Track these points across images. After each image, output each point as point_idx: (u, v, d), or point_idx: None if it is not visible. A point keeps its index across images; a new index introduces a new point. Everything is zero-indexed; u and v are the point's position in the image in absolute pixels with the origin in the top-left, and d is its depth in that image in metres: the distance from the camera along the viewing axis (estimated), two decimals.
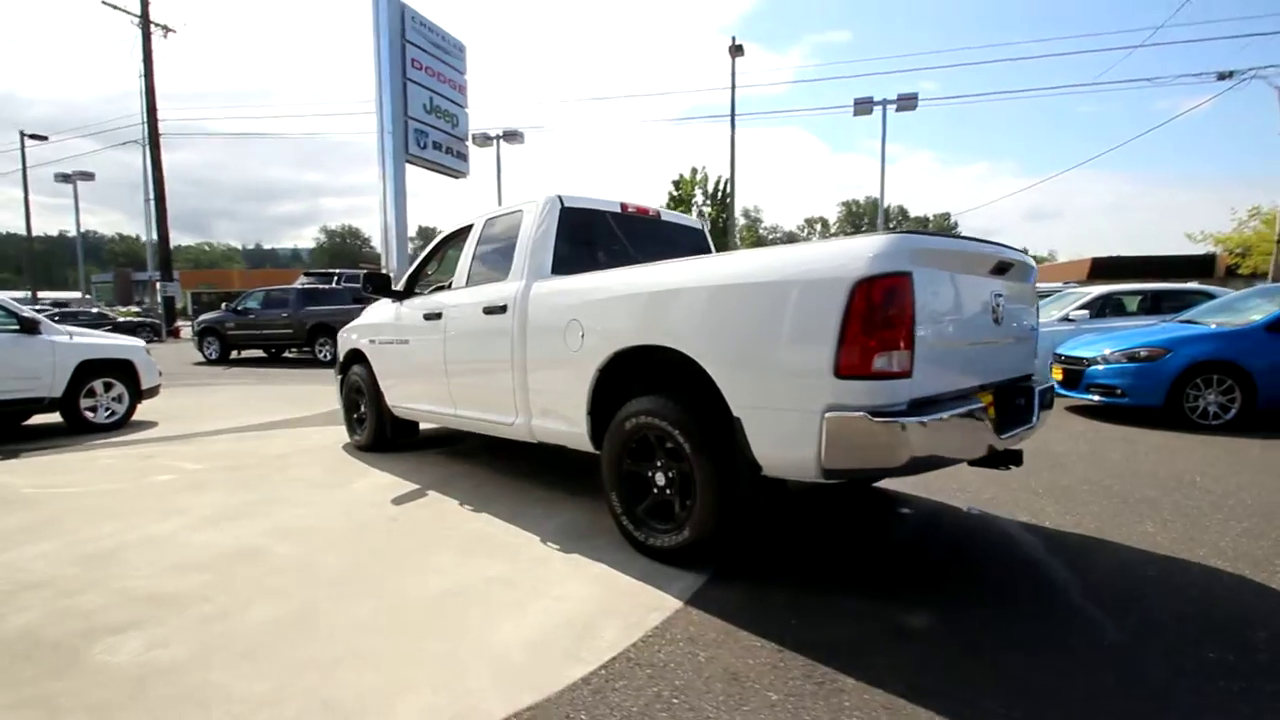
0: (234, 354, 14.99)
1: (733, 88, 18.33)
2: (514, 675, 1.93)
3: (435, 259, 4.80)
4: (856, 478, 2.30)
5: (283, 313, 13.99)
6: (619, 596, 2.47)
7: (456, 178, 19.61)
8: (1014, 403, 2.82)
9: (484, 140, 21.19)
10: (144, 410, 6.80)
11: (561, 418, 3.31)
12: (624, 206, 4.05)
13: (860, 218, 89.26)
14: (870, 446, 2.13)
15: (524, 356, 3.46)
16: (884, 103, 18.01)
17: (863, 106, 18.15)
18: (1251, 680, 1.91)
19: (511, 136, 21.48)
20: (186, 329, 25.29)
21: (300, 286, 15.19)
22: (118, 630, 2.20)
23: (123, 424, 6.40)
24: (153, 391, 6.80)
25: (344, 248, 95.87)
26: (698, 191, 33.72)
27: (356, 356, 5.27)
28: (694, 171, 33.99)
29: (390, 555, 2.89)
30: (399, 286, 4.77)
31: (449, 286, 4.70)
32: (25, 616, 2.32)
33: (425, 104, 17.35)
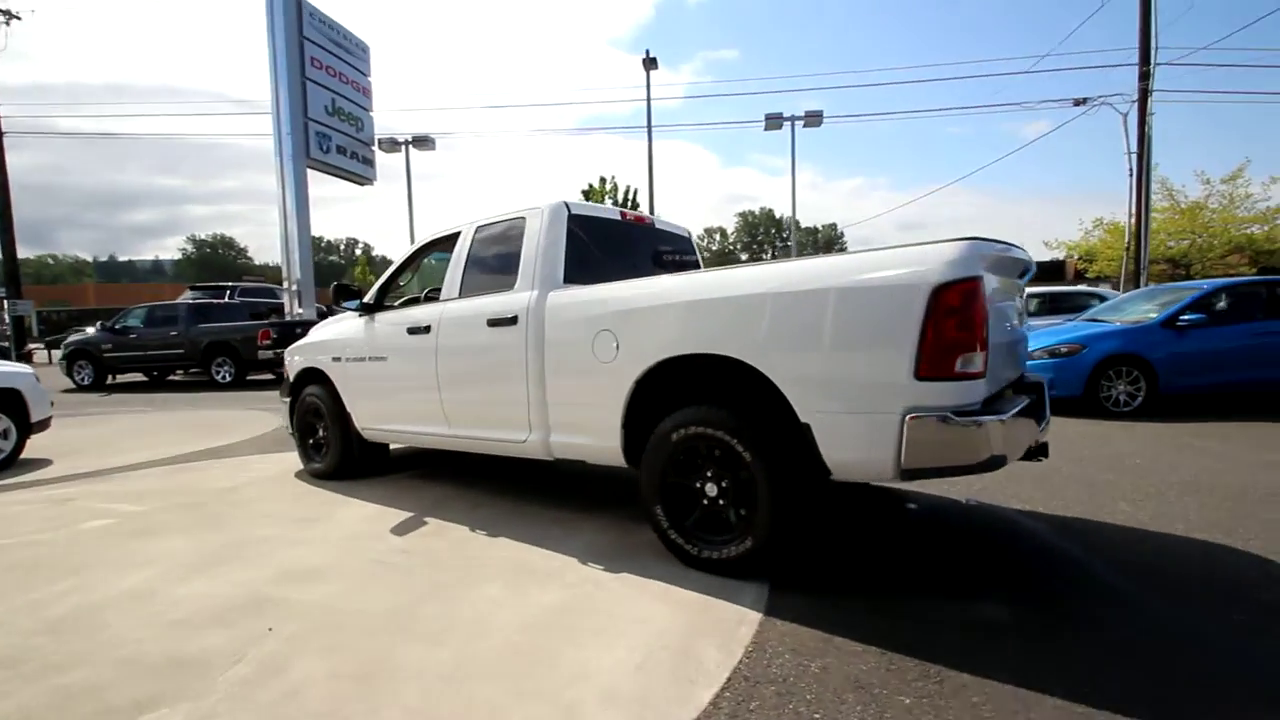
0: (110, 379, 13.32)
1: (648, 100, 18.67)
2: (639, 708, 1.83)
3: (409, 270, 4.50)
4: (932, 477, 2.37)
5: (171, 331, 12.59)
6: (696, 613, 2.40)
7: (362, 184, 18.59)
8: (1032, 398, 3.02)
9: (391, 146, 20.14)
10: (32, 446, 5.87)
11: (588, 432, 3.19)
12: (623, 214, 4.00)
13: (756, 228, 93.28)
14: (953, 446, 2.21)
15: (540, 370, 3.31)
16: (793, 119, 19.01)
17: (773, 121, 19.04)
18: None
19: (421, 143, 20.56)
20: (39, 352, 22.25)
21: (191, 301, 13.76)
22: (147, 707, 1.88)
23: (10, 463, 5.50)
24: (43, 425, 5.90)
25: (215, 258, 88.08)
26: (608, 200, 33.91)
27: (312, 376, 4.83)
28: (603, 180, 34.12)
29: (430, 593, 2.65)
30: (368, 299, 4.42)
31: (423, 299, 4.44)
32: (13, 702, 1.92)
33: (327, 105, 16.35)
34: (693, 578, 2.72)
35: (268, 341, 12.31)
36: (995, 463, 2.24)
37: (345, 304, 4.41)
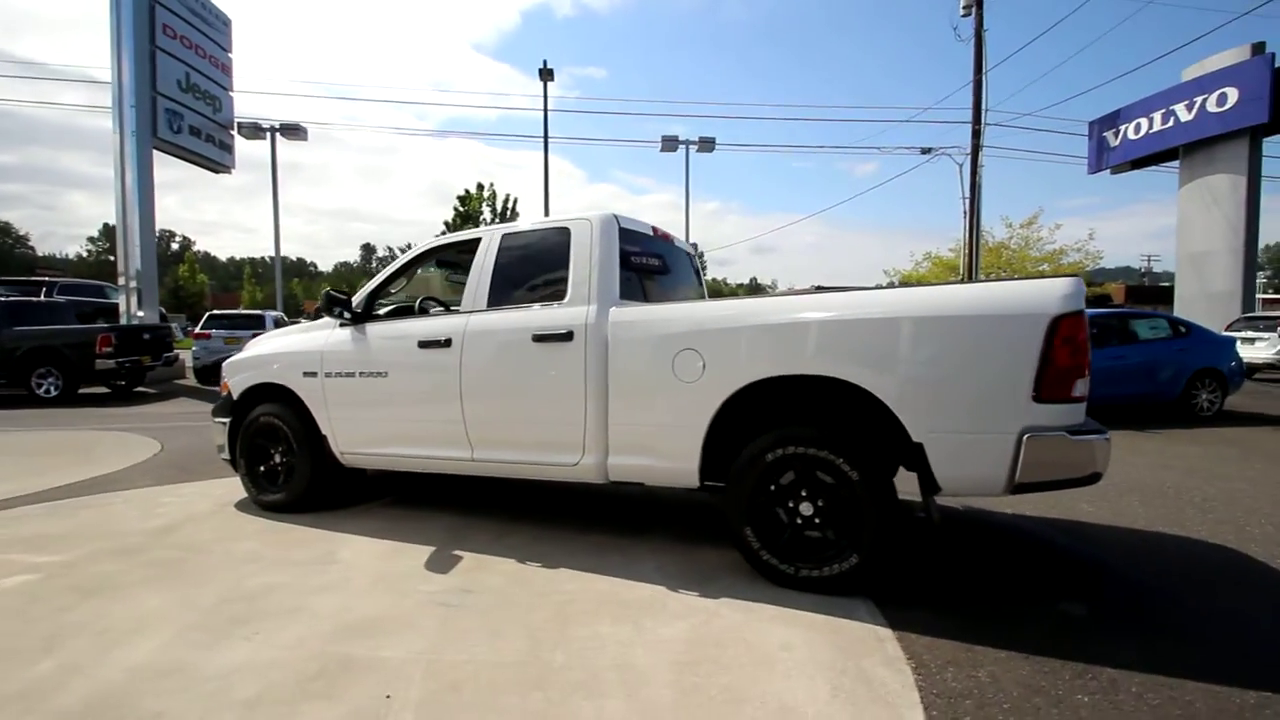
0: None
1: (545, 111, 18.35)
2: None
3: (404, 277, 4.07)
4: (1036, 491, 2.58)
5: None
6: (830, 634, 2.41)
7: (217, 171, 16.52)
8: None
9: (253, 132, 17.87)
10: None
11: (659, 454, 3.08)
12: (654, 230, 3.93)
13: None
14: (1065, 463, 2.43)
15: (602, 389, 3.15)
16: (687, 143, 19.72)
17: (669, 144, 19.64)
18: None
19: (292, 131, 18.47)
20: None
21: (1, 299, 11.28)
22: None
23: None
24: None
25: None
26: (485, 208, 32.87)
27: (266, 394, 4.20)
28: (480, 188, 33.12)
29: (537, 635, 2.40)
30: (356, 307, 3.92)
31: (417, 309, 4.06)
32: None
33: (180, 80, 14.37)
34: (791, 598, 2.72)
35: (109, 349, 10.47)
36: (1095, 478, 2.49)
37: (332, 315, 3.88)
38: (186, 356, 13.50)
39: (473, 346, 3.48)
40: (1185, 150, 14.03)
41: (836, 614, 2.56)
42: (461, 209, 32.65)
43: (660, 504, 4.25)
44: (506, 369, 3.41)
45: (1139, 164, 16.51)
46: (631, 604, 2.68)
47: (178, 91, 14.23)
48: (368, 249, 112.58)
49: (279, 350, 4.19)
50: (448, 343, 3.54)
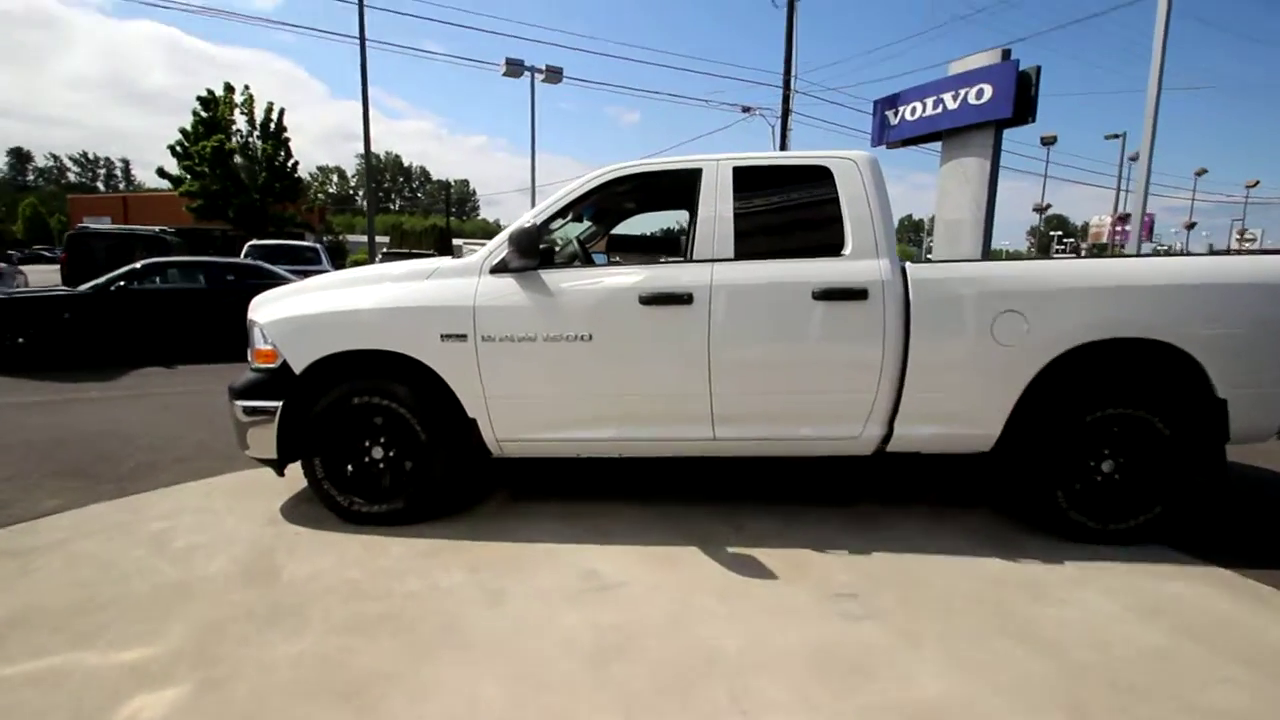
0: None
1: (360, 12, 15.03)
2: None
3: (572, 212, 3.15)
4: None
5: None
6: (1198, 581, 2.58)
7: None
8: None
9: None
10: None
11: (958, 420, 2.93)
12: None
13: (382, 172, 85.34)
14: None
15: (900, 352, 2.86)
16: (533, 69, 17.95)
17: (514, 68, 17.66)
18: None
19: None
20: None
21: None
22: None
23: None
24: None
25: None
26: (239, 117, 26.62)
27: (353, 364, 3.01)
28: (230, 90, 26.58)
29: (1022, 610, 2.17)
30: (525, 248, 2.94)
31: (581, 251, 3.26)
32: None
33: None
34: (1106, 552, 2.82)
35: None
36: None
37: (516, 260, 2.85)
38: None
39: (725, 303, 2.87)
40: (947, 134, 16.49)
41: (1165, 562, 2.74)
42: (205, 114, 26.01)
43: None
44: (776, 331, 2.89)
45: (910, 142, 19.07)
46: (1003, 581, 2.56)
47: None
48: (20, 155, 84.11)
49: (390, 304, 2.98)
50: (688, 299, 2.87)
